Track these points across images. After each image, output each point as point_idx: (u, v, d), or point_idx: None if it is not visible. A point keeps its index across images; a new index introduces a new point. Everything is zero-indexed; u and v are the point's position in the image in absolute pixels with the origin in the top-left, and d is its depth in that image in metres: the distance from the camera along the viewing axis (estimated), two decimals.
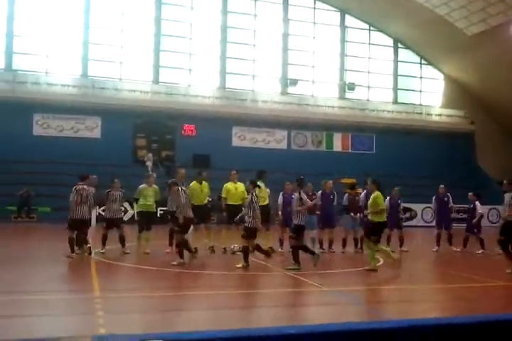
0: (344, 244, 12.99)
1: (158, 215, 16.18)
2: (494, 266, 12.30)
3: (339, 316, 6.69)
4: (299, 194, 10.55)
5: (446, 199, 14.39)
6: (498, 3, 25.43)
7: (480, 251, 13.63)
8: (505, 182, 10.76)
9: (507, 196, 10.31)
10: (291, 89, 30.05)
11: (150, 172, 12.61)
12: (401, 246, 13.48)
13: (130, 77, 27.50)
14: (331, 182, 13.44)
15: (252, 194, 10.29)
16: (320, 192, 13.12)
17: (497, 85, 30.47)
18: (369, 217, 10.63)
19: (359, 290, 8.53)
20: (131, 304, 7.20)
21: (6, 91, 24.12)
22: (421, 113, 31.71)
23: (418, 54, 32.64)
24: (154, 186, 12.17)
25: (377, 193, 10.45)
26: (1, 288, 7.82)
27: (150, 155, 25.53)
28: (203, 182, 12.32)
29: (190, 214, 10.47)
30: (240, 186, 12.32)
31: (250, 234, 10.20)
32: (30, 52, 26.14)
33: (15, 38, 25.96)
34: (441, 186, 14.51)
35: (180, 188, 10.45)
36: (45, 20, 26.30)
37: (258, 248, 10.71)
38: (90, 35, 27.10)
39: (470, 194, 14.48)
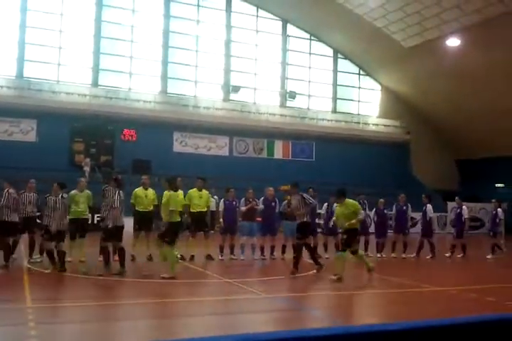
0: (284, 251, 13.09)
1: (95, 222, 15.78)
2: (426, 271, 12.75)
3: (280, 323, 6.72)
4: (302, 196, 10.91)
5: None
6: (433, 18, 26.53)
7: (429, 256, 14.37)
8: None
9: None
10: (233, 96, 30.14)
11: (80, 178, 12.17)
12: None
13: (68, 80, 26.74)
14: (272, 189, 13.53)
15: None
16: (262, 199, 13.19)
17: (432, 96, 31.75)
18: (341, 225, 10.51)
19: (299, 297, 8.61)
20: (65, 314, 6.96)
21: None
22: (359, 122, 32.55)
23: (357, 64, 33.53)
24: (86, 191, 11.69)
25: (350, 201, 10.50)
26: None
27: (88, 160, 24.83)
28: (149, 188, 12.14)
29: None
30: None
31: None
32: None
33: None
34: (381, 200, 14.84)
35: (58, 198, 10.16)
36: None
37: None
38: (27, 35, 26.17)
39: (424, 196, 15.10)
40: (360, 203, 13.95)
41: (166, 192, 10.09)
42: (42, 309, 7.05)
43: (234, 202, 12.92)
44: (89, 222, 12.51)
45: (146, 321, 6.72)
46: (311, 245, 11.76)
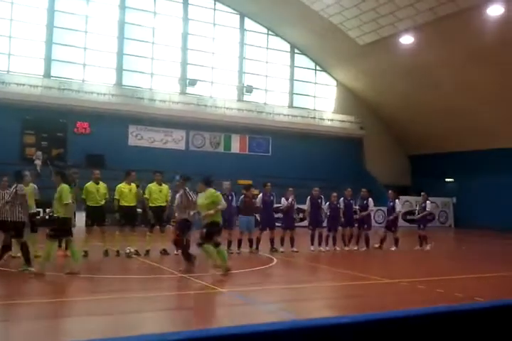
0: (239, 245, 13.13)
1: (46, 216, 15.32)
2: (381, 264, 13.07)
3: (237, 317, 6.73)
4: (184, 191, 10.52)
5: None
6: (388, 15, 26.98)
7: (393, 248, 15.06)
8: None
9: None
10: (190, 90, 29.89)
11: (25, 172, 11.76)
12: (292, 246, 13.85)
13: (19, 70, 25.88)
14: (228, 183, 13.54)
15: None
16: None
17: (386, 93, 32.38)
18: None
19: (254, 291, 8.65)
20: (11, 312, 6.77)
21: None
22: (314, 117, 32.86)
23: (313, 60, 33.80)
24: (31, 185, 11.39)
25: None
26: None
27: (39, 153, 24.12)
28: (100, 182, 12.00)
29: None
30: (133, 187, 12.14)
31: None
32: None
33: None
34: (334, 194, 15.02)
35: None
36: None
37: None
38: None
39: (364, 190, 15.46)
40: (313, 197, 14.23)
41: (62, 186, 9.47)
42: None
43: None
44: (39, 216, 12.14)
45: (95, 317, 6.58)
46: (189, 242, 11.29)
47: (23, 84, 25.01)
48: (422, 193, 16.44)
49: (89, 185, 11.93)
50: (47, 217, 10.47)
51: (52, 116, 25.46)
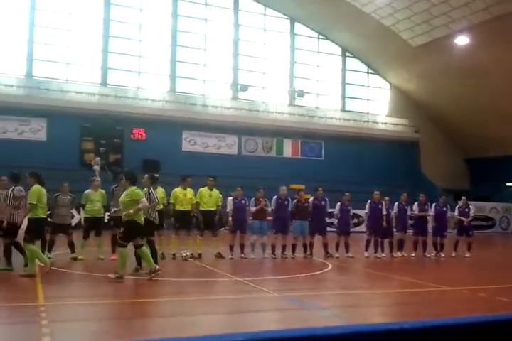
0: (294, 250, 13.09)
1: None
2: (440, 271, 12.71)
3: (291, 322, 6.71)
4: (148, 192, 10.14)
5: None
6: (441, 16, 26.40)
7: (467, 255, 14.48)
8: None
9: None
10: (241, 95, 30.14)
11: (94, 177, 12.23)
12: (347, 252, 13.68)
13: (77, 79, 26.83)
14: (285, 188, 13.53)
15: None
16: (275, 197, 13.18)
17: (441, 95, 31.60)
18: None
19: (309, 296, 8.60)
20: (78, 312, 6.99)
21: None
22: (368, 121, 32.47)
23: (365, 63, 33.42)
24: (100, 190, 11.89)
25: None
26: None
27: (98, 159, 24.91)
28: (158, 187, 12.24)
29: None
30: (189, 192, 12.28)
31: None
32: None
33: None
34: (386, 198, 14.70)
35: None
36: None
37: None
38: (35, 34, 26.28)
39: (422, 195, 14.97)
40: (374, 201, 13.95)
41: (34, 187, 9.39)
42: (54, 307, 7.08)
43: (243, 201, 12.96)
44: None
45: (154, 319, 6.73)
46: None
47: (82, 93, 25.92)
48: (463, 198, 15.66)
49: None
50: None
51: (110, 123, 26.26)
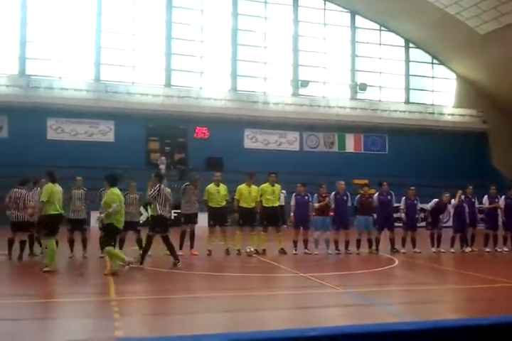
0: (358, 245, 12.97)
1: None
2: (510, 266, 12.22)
3: (357, 318, 6.67)
4: (159, 187, 10.45)
5: (473, 200, 14.21)
6: (509, 2, 25.22)
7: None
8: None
9: None
10: (302, 91, 30.03)
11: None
12: (414, 247, 13.41)
13: (142, 81, 27.63)
14: (343, 183, 13.42)
15: None
16: (333, 193, 13.11)
17: (510, 83, 30.20)
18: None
19: (375, 291, 8.50)
20: (147, 306, 7.24)
21: (20, 97, 24.36)
22: (433, 113, 31.53)
23: (430, 53, 32.46)
24: (166, 189, 12.20)
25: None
26: (19, 292, 7.92)
27: (163, 158, 25.61)
28: (220, 184, 12.45)
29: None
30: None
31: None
32: (44, 58, 26.34)
33: (28, 43, 26.17)
34: (470, 187, 14.29)
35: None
36: (58, 25, 26.50)
37: None
38: (102, 39, 27.27)
39: (493, 188, 14.40)
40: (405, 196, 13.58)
41: (46, 185, 9.80)
42: (125, 301, 7.37)
43: (305, 197, 12.97)
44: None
45: (220, 314, 6.86)
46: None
47: (147, 94, 26.67)
48: (492, 187, 14.85)
49: (210, 187, 12.40)
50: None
51: (174, 123, 26.92)
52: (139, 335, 5.57)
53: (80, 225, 11.50)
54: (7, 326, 5.95)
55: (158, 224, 10.29)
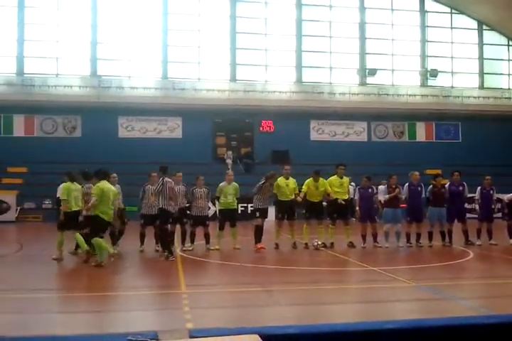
0: (431, 238, 12.54)
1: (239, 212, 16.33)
2: None
3: (429, 312, 6.44)
4: (162, 180, 10.55)
5: None
6: None
7: None
8: None
9: None
10: (369, 80, 29.33)
11: (228, 170, 12.73)
12: (490, 239, 12.80)
13: (208, 77, 27.95)
14: (417, 173, 12.99)
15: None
16: (407, 184, 12.73)
17: None
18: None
19: (448, 285, 8.19)
20: (216, 299, 7.32)
21: (93, 97, 25.30)
22: (510, 97, 29.94)
23: (505, 35, 30.79)
24: (234, 183, 12.32)
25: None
26: (97, 285, 8.23)
27: (230, 152, 25.87)
28: (290, 177, 12.42)
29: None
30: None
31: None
32: (113, 58, 27.19)
33: (98, 44, 27.12)
34: None
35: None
36: (125, 25, 27.26)
37: None
38: (169, 37, 27.79)
39: None
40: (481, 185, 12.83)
41: (64, 184, 10.49)
42: (195, 294, 7.48)
43: (369, 190, 12.68)
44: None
45: (288, 307, 6.81)
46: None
47: (213, 90, 26.95)
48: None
49: (280, 180, 12.37)
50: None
51: (240, 117, 27.08)
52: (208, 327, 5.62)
53: (203, 221, 11.88)
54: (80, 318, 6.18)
55: (160, 217, 10.62)
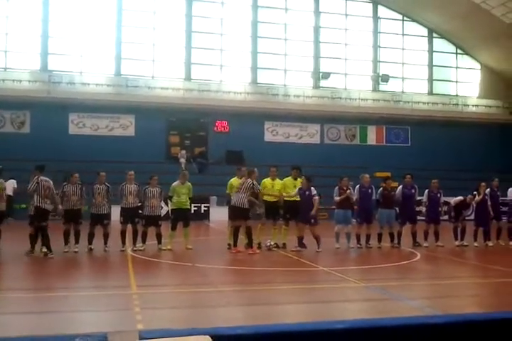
0: (380, 239, 12.80)
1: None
2: None
3: (378, 312, 6.57)
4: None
5: (499, 193, 13.91)
6: None
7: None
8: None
9: None
10: (323, 83, 29.75)
11: (183, 170, 12.64)
12: (437, 241, 13.19)
13: (162, 75, 27.65)
14: (368, 176, 13.23)
15: None
16: (358, 186, 12.94)
17: None
18: None
19: (396, 286, 8.38)
20: (168, 300, 7.24)
21: (42, 92, 24.59)
22: (457, 104, 30.98)
23: (454, 43, 31.85)
24: (187, 183, 12.23)
25: None
26: (42, 285, 7.99)
27: (183, 152, 25.68)
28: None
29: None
30: (278, 183, 12.32)
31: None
32: (65, 53, 26.52)
33: (50, 39, 26.38)
34: (495, 179, 13.93)
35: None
36: (78, 20, 26.63)
37: None
38: (123, 33, 27.34)
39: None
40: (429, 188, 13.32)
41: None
42: (146, 295, 7.37)
43: (306, 192, 12.60)
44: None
45: (239, 307, 6.82)
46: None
47: (167, 88, 26.68)
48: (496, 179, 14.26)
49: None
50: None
51: (194, 117, 26.92)
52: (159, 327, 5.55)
53: (101, 220, 11.53)
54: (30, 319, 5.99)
55: (37, 216, 10.64)
